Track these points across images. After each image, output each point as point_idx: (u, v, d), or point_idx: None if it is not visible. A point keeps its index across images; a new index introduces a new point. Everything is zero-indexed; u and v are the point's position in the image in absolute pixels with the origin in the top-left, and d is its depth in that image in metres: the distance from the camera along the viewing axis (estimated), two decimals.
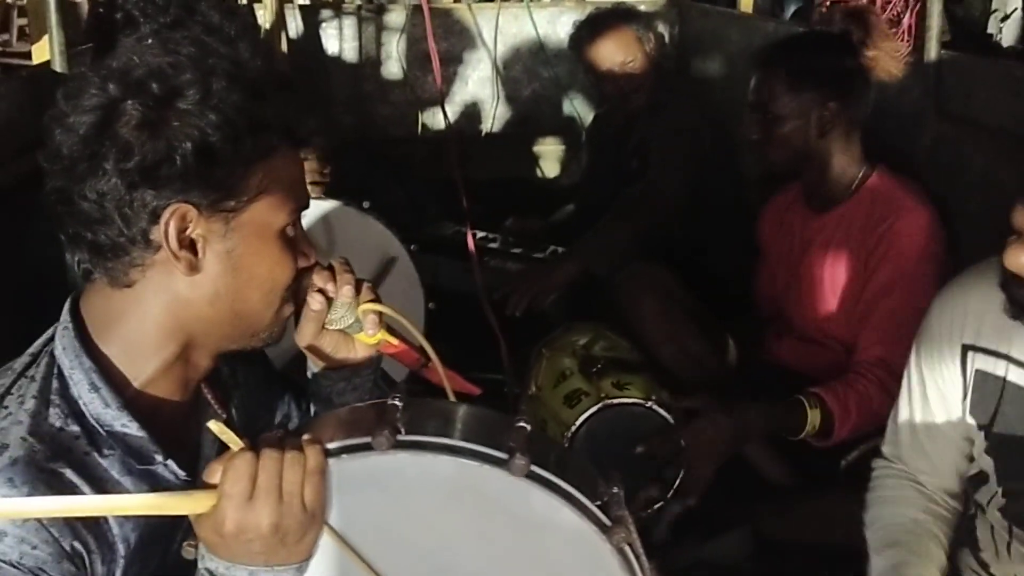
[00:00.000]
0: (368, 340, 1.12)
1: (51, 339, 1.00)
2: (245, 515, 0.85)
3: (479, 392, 1.19)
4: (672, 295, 2.14)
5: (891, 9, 2.22)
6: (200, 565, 0.89)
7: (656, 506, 1.83)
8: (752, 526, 1.85)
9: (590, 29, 2.89)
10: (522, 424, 0.92)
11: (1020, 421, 1.25)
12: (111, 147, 0.90)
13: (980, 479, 1.34)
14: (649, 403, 1.84)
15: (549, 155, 3.95)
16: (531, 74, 3.90)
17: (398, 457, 0.89)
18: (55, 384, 0.96)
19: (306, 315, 1.08)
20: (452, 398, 1.13)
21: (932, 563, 1.32)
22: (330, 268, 1.09)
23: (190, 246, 0.94)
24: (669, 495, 1.81)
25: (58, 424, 0.94)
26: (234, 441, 0.88)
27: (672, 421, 1.84)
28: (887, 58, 2.00)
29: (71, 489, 0.91)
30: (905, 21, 2.18)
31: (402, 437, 0.89)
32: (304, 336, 1.11)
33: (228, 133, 0.92)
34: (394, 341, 1.14)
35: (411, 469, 0.90)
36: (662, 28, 3.69)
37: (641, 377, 1.91)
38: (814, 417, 1.85)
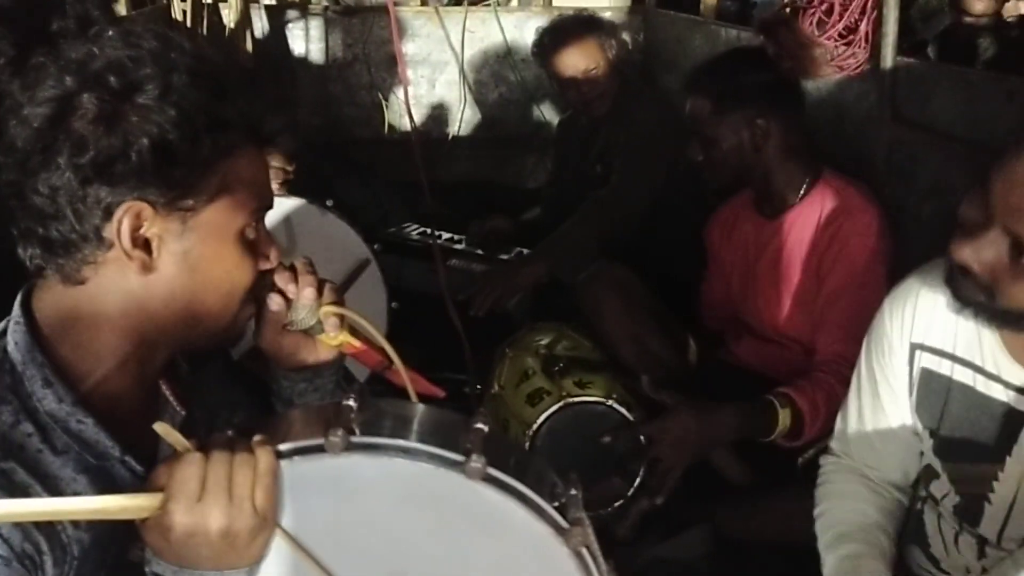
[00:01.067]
0: (330, 341, 1.11)
1: (2, 334, 0.97)
2: (193, 518, 0.83)
3: (443, 395, 1.18)
4: (634, 295, 2.16)
5: (848, 16, 2.24)
6: (147, 570, 0.87)
7: (618, 503, 1.83)
8: (712, 524, 1.87)
9: (552, 37, 2.91)
10: (479, 425, 0.91)
11: (965, 420, 1.27)
12: (65, 140, 0.88)
13: (932, 473, 1.37)
14: (610, 401, 1.85)
15: (515, 159, 3.96)
16: (498, 78, 3.91)
17: (352, 459, 0.87)
18: (7, 380, 0.93)
19: (265, 316, 1.07)
20: (415, 400, 1.11)
21: (883, 557, 1.33)
22: (292, 268, 1.07)
23: (144, 245, 0.92)
24: (631, 492, 1.82)
25: (9, 421, 0.91)
26: (179, 443, 0.86)
27: (632, 419, 1.85)
28: (810, 64, 2.05)
29: (22, 490, 0.88)
30: (862, 28, 2.21)
31: (356, 439, 0.87)
32: (264, 337, 1.09)
33: (187, 130, 0.90)
34: (356, 342, 1.12)
35: (366, 471, 0.89)
36: (627, 35, 3.73)
37: (603, 376, 1.93)
38: (784, 417, 1.87)
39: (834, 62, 2.28)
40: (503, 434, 0.92)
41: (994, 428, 1.23)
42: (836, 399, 1.86)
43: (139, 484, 0.95)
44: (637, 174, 2.65)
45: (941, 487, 1.34)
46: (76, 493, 0.92)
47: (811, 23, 2.32)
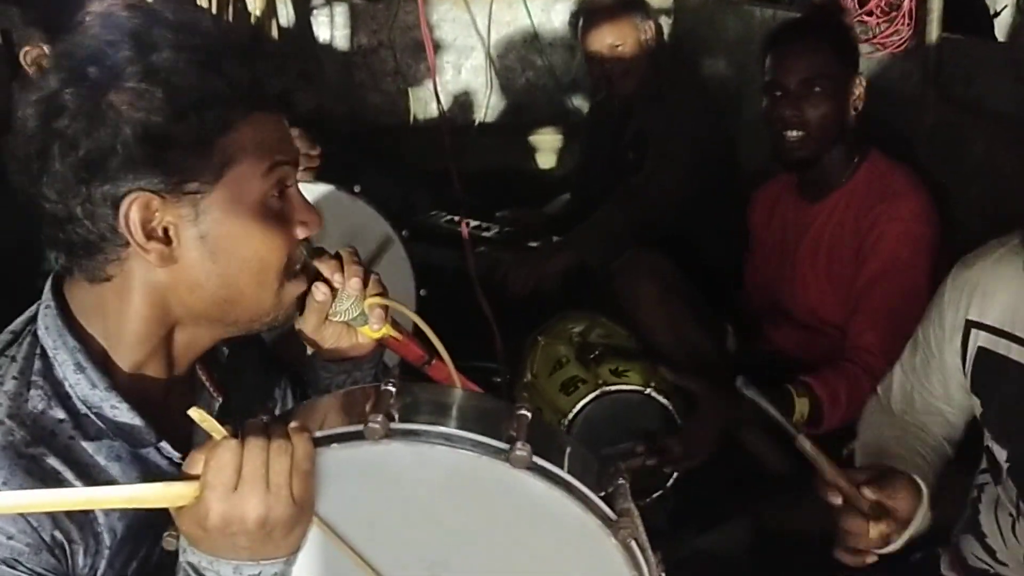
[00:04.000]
0: (372, 334, 1.07)
1: (33, 318, 0.95)
2: (230, 507, 0.80)
3: (482, 392, 1.13)
4: (670, 282, 2.10)
5: None
6: (182, 559, 0.84)
7: (657, 494, 1.79)
8: (751, 517, 1.82)
9: (587, 10, 2.87)
10: (523, 411, 0.87)
11: (1019, 400, 1.24)
12: (55, 142, 0.85)
13: (987, 450, 1.33)
14: (648, 390, 1.81)
15: (543, 145, 3.91)
16: (525, 63, 3.86)
17: (391, 446, 0.84)
18: (37, 365, 0.91)
19: (309, 305, 1.03)
20: None
21: (918, 458, 1.33)
22: (336, 257, 1.03)
23: (162, 235, 0.89)
24: (669, 483, 1.78)
25: (40, 407, 0.89)
26: (215, 429, 0.83)
27: (671, 408, 1.81)
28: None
29: (53, 477, 0.86)
30: (905, 4, 2.14)
31: (396, 425, 0.84)
32: (307, 326, 1.05)
33: (174, 112, 0.85)
34: (398, 335, 1.09)
35: (405, 458, 0.85)
36: (661, 21, 3.66)
37: (639, 364, 1.88)
38: (801, 405, 1.83)
39: (876, 39, 2.22)
40: (546, 421, 0.88)
41: None
42: (860, 390, 1.82)
43: (174, 471, 0.92)
44: (672, 161, 2.60)
45: (1000, 463, 1.30)
46: (110, 481, 0.90)
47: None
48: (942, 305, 1.35)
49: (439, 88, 3.26)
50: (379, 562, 0.90)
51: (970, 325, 1.30)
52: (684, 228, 2.58)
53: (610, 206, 2.56)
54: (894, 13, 2.17)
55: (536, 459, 0.83)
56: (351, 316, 1.05)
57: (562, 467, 0.86)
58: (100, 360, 0.92)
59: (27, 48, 1.42)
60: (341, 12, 3.74)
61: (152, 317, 0.93)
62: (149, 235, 0.88)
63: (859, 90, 2.00)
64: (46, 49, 1.41)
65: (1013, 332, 1.24)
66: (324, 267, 1.02)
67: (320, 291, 1.01)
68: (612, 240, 2.49)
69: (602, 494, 0.89)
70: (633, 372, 1.85)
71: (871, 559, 1.21)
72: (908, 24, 2.15)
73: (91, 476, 0.89)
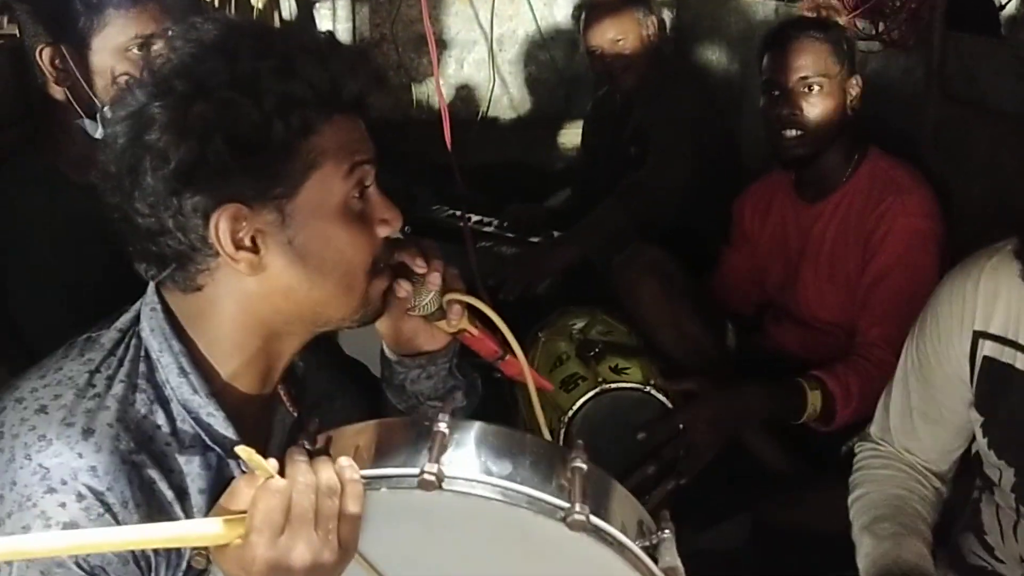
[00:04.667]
0: (449, 329, 1.08)
1: (136, 318, 0.96)
2: (278, 553, 0.79)
3: (551, 388, 1.16)
4: (671, 278, 2.10)
5: None
6: None
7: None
8: (752, 514, 1.83)
9: (590, 4, 2.87)
10: (579, 463, 0.87)
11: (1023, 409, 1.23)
12: (145, 155, 0.86)
13: (984, 459, 1.32)
14: (648, 388, 1.80)
15: (545, 139, 3.91)
16: (527, 57, 3.86)
17: (444, 496, 0.82)
18: (142, 367, 0.92)
19: (389, 300, 1.03)
20: (532, 391, 1.10)
21: (923, 540, 1.29)
22: (416, 245, 1.04)
23: (250, 244, 0.90)
24: (671, 483, 1.77)
25: (143, 411, 0.90)
26: (262, 467, 0.81)
27: (671, 406, 1.81)
28: None
29: (149, 486, 0.87)
30: (908, 2, 2.13)
31: (450, 473, 0.82)
32: (386, 320, 1.06)
33: (260, 118, 0.86)
34: (475, 331, 1.09)
35: (456, 509, 0.84)
36: (663, 14, 3.66)
37: (639, 361, 1.88)
38: (815, 399, 1.83)
39: (879, 35, 2.21)
40: (599, 470, 0.88)
41: None
42: (871, 384, 1.82)
43: None
44: (673, 155, 2.59)
45: (993, 471, 1.30)
46: (200, 490, 0.91)
47: None
48: (938, 316, 1.32)
49: (441, 82, 3.26)
50: None
51: (978, 336, 1.27)
52: (686, 223, 2.58)
53: (612, 200, 2.55)
54: (898, 6, 2.16)
55: (592, 519, 0.83)
56: (429, 311, 1.05)
57: (615, 524, 0.85)
58: (201, 367, 0.93)
59: (42, 47, 1.41)
60: (343, 5, 3.74)
61: (246, 325, 0.94)
62: (238, 245, 0.89)
63: (856, 91, 2.01)
64: (63, 49, 1.40)
65: (1017, 340, 1.23)
66: (405, 255, 1.02)
67: (402, 288, 1.02)
68: (614, 235, 2.49)
69: (645, 545, 0.88)
70: (633, 369, 1.85)
71: None
72: (911, 21, 2.14)
73: (183, 485, 0.90)
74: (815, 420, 1.87)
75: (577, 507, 0.82)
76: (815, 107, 1.96)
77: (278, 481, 0.81)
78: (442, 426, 0.86)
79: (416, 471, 0.81)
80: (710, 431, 1.76)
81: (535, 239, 2.84)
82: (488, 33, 3.77)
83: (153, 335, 0.93)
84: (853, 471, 1.45)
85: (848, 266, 2.03)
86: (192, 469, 0.90)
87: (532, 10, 3.76)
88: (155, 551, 0.86)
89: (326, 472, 0.82)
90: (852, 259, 2.02)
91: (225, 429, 0.92)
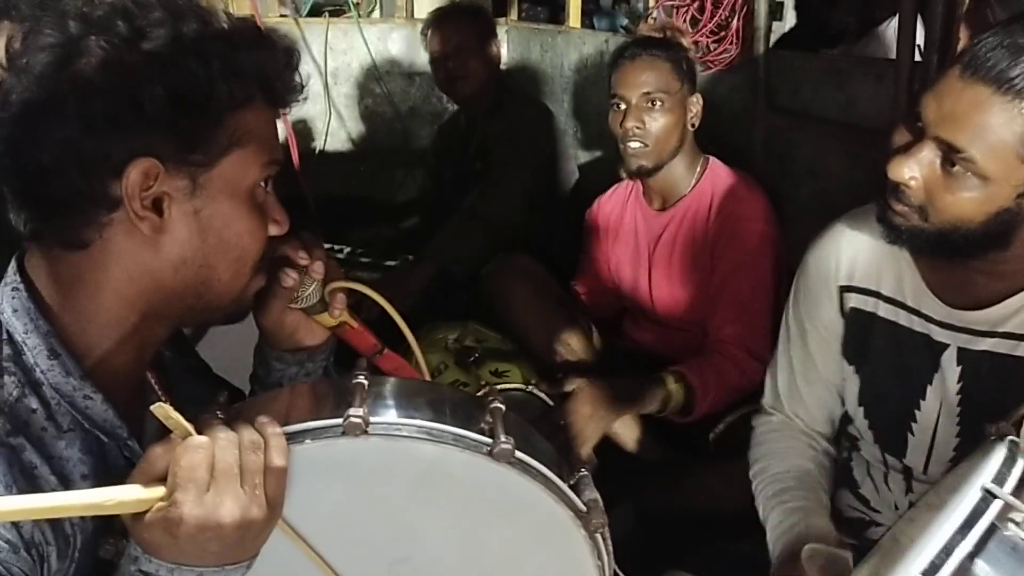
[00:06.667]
0: (329, 322, 1.06)
1: None
2: (204, 510, 0.75)
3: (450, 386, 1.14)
4: (541, 283, 2.17)
5: (720, 14, 2.36)
6: (132, 568, 0.78)
7: None
8: (634, 503, 1.89)
9: (435, 13, 2.95)
10: (497, 404, 0.87)
11: (888, 354, 1.34)
12: (71, 88, 0.81)
13: (848, 418, 1.44)
14: (529, 387, 1.85)
15: (384, 172, 3.91)
16: (363, 90, 3.86)
17: (370, 442, 0.81)
18: (7, 350, 0.85)
19: (275, 292, 1.00)
20: (424, 371, 1.11)
21: (825, 512, 1.37)
22: (297, 239, 1.01)
23: (154, 205, 0.85)
24: None
25: (15, 394, 0.83)
26: (181, 427, 0.78)
27: (552, 404, 1.85)
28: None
29: (29, 470, 0.80)
30: (733, 25, 2.33)
31: (376, 419, 0.81)
32: (269, 315, 1.03)
33: (201, 79, 0.83)
34: (354, 324, 1.08)
35: (383, 454, 0.83)
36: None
37: (517, 364, 1.92)
38: (677, 392, 1.93)
39: (707, 58, 2.40)
40: (516, 414, 0.89)
41: (915, 360, 1.30)
42: (725, 378, 1.96)
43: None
44: (515, 166, 2.69)
45: (857, 428, 1.41)
46: (83, 476, 0.85)
47: (684, 21, 2.43)
48: (808, 281, 1.42)
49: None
50: (338, 562, 0.87)
51: (843, 290, 1.38)
52: (533, 235, 2.66)
53: (460, 214, 2.61)
54: (723, 33, 2.36)
55: (517, 452, 0.83)
56: (312, 302, 1.03)
57: (537, 459, 0.86)
58: (72, 347, 0.86)
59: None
60: None
61: (128, 296, 0.88)
62: (143, 203, 0.84)
63: (696, 107, 2.16)
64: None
65: (879, 291, 1.34)
66: (288, 248, 1.00)
67: (289, 276, 1.00)
68: (467, 247, 2.55)
69: (570, 483, 0.89)
70: (513, 372, 1.89)
71: None
72: (736, 43, 2.33)
73: (65, 471, 0.83)
74: (677, 412, 1.97)
75: (502, 438, 0.83)
76: (657, 121, 2.10)
77: (199, 438, 0.77)
78: (361, 378, 0.85)
79: (340, 420, 0.80)
80: (591, 422, 1.82)
81: (391, 263, 2.84)
82: (322, 66, 3.76)
83: (16, 316, 0.86)
84: (752, 446, 1.52)
85: (697, 268, 2.17)
86: (72, 454, 0.85)
87: (366, 44, 3.78)
88: (46, 540, 0.80)
89: (247, 428, 0.80)
90: (700, 262, 2.16)
91: (104, 412, 0.87)
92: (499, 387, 1.83)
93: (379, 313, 1.94)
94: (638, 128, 2.09)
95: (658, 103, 2.09)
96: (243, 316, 0.99)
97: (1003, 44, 1.04)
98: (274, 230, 0.96)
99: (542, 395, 1.85)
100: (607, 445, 1.95)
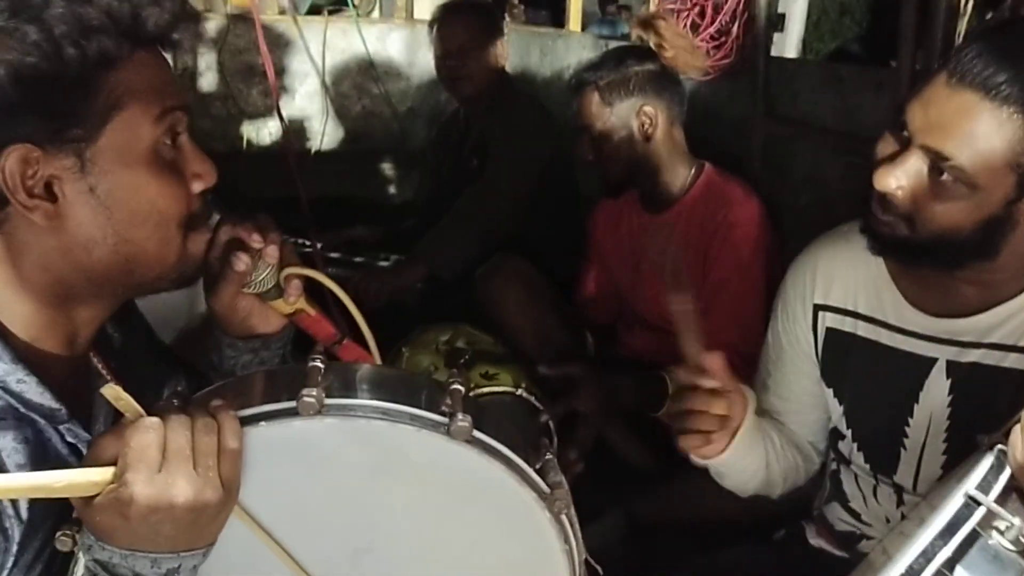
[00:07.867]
0: (285, 308, 1.02)
1: None
2: (156, 489, 0.73)
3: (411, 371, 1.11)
4: (535, 286, 2.15)
5: (719, 21, 2.35)
6: (85, 558, 0.76)
7: None
8: (623, 510, 1.87)
9: (443, 8, 2.90)
10: (456, 386, 0.85)
11: (871, 375, 1.32)
12: None
13: (838, 434, 1.42)
14: (519, 391, 1.82)
15: (381, 172, 3.90)
16: (361, 90, 3.85)
17: (325, 422, 0.79)
18: None
19: (226, 275, 0.96)
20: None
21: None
22: (252, 222, 0.98)
23: (45, 191, 0.81)
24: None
25: None
26: (131, 408, 0.76)
27: (541, 407, 1.83)
28: (685, 55, 2.13)
29: None
30: (733, 31, 2.32)
31: (331, 400, 0.79)
32: (220, 298, 0.99)
33: (51, 48, 0.77)
34: (312, 312, 1.04)
35: (339, 436, 0.81)
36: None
37: (508, 367, 1.89)
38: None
39: (707, 64, 2.38)
40: (477, 398, 0.87)
41: (900, 379, 1.28)
42: None
43: (75, 461, 0.84)
44: (511, 165, 2.65)
45: (847, 446, 1.40)
46: (19, 465, 0.81)
47: (685, 26, 2.42)
48: (786, 297, 1.41)
49: (273, 114, 3.19)
50: (300, 552, 0.85)
51: (817, 308, 1.36)
52: (528, 239, 2.64)
53: (452, 215, 2.58)
54: (723, 39, 2.35)
55: (475, 432, 0.82)
56: (266, 287, 0.99)
57: (498, 439, 0.84)
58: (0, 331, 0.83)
59: None
60: None
61: (45, 285, 0.85)
62: (30, 192, 0.80)
63: (646, 119, 2.12)
64: None
65: (856, 311, 1.32)
66: (241, 230, 0.96)
67: (241, 260, 0.95)
68: (458, 249, 2.52)
69: (536, 466, 0.88)
70: (503, 374, 1.86)
71: (715, 444, 1.23)
72: (736, 49, 2.32)
73: None
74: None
75: (459, 417, 0.80)
76: (602, 151, 2.11)
77: (150, 418, 0.75)
78: (317, 362, 0.83)
79: (294, 403, 0.78)
80: (598, 407, 1.81)
81: (384, 263, 2.82)
82: (320, 66, 3.74)
83: None
84: None
85: (690, 272, 2.15)
86: (7, 443, 0.81)
87: (364, 43, 3.76)
88: None
89: (200, 411, 0.77)
90: (694, 266, 2.15)
91: (40, 396, 0.84)
92: (489, 389, 1.81)
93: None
94: (590, 158, 2.14)
95: (598, 134, 2.11)
96: (194, 279, 0.95)
97: (989, 50, 1.02)
98: (197, 185, 0.90)
99: (531, 398, 1.83)
100: (600, 453, 1.94)
